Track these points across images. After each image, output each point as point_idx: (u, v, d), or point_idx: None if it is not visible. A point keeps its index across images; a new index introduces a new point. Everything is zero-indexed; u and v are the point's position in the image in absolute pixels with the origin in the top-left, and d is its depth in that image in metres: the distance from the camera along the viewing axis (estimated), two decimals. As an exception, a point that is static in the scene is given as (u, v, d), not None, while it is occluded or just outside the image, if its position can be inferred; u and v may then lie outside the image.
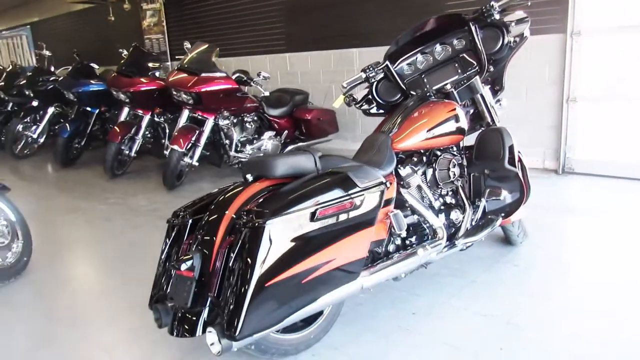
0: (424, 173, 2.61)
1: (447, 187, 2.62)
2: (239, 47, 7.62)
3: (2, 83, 7.68)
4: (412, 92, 2.86)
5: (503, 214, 2.74)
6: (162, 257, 2.10)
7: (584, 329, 2.22)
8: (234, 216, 1.90)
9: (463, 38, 2.79)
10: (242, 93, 5.16)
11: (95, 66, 7.04)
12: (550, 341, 2.14)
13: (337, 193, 1.87)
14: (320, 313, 2.18)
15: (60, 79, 6.67)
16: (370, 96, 2.95)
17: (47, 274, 3.20)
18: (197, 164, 4.95)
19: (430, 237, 2.50)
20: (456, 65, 2.83)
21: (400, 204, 2.50)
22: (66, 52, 7.92)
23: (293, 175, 2.04)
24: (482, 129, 2.91)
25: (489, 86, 2.93)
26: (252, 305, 1.66)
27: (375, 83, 2.91)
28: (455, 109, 2.61)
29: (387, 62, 2.84)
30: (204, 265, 1.86)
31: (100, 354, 2.28)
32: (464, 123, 2.63)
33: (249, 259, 1.69)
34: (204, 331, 1.79)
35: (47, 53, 7.36)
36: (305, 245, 1.79)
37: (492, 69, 2.83)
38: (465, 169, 2.75)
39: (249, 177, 2.08)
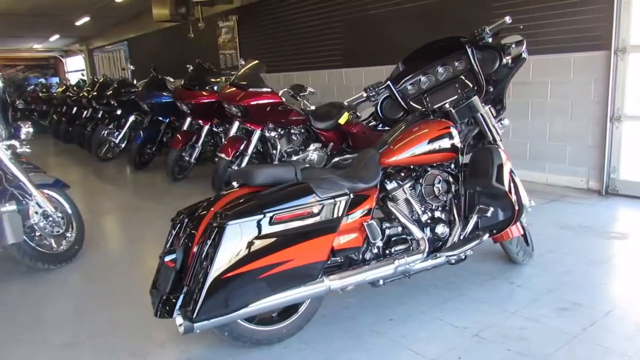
0: (413, 187, 2.74)
1: (435, 201, 2.73)
2: (301, 62, 8.04)
3: (95, 93, 8.68)
4: (413, 110, 3.01)
5: (494, 231, 2.79)
6: (165, 249, 2.43)
7: (551, 352, 2.25)
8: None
9: (463, 59, 2.90)
10: (287, 107, 5.49)
11: (171, 79, 7.75)
12: (509, 356, 2.21)
13: (295, 201, 2.10)
14: (296, 310, 2.41)
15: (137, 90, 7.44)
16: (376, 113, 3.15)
17: (93, 261, 3.69)
18: (244, 171, 5.33)
19: (412, 248, 2.64)
20: (457, 85, 2.94)
21: (388, 215, 2.68)
22: (150, 63, 8.76)
23: (273, 184, 2.29)
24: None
25: (489, 106, 2.99)
26: (209, 293, 1.94)
27: (380, 101, 3.10)
28: (448, 128, 2.73)
29: (389, 82, 3.01)
30: (185, 257, 2.17)
31: (120, 327, 2.66)
32: (457, 141, 2.74)
33: (210, 254, 1.97)
34: (179, 314, 2.09)
35: (131, 67, 8.23)
36: (263, 245, 2.03)
37: (491, 89, 2.91)
38: (460, 185, 2.85)
39: (235, 184, 2.37)
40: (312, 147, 5.77)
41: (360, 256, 2.49)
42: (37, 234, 3.46)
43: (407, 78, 3.04)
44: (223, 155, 5.15)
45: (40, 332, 2.67)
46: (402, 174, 2.72)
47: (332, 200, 2.19)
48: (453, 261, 2.76)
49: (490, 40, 2.76)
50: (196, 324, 1.96)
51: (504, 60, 2.80)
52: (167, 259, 2.17)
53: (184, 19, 9.37)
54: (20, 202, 3.34)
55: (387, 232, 2.64)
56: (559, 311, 2.58)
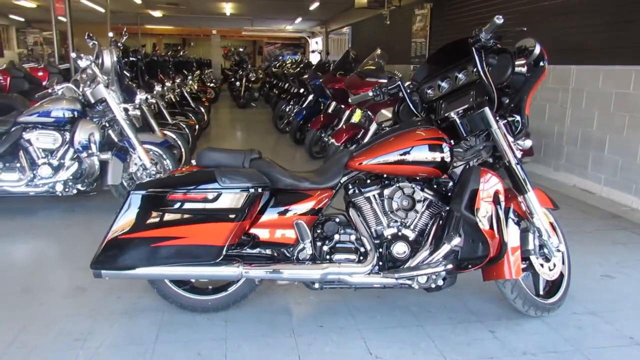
0: (383, 197, 2.52)
1: (395, 217, 2.47)
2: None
3: (291, 71, 9.69)
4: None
5: (469, 265, 2.39)
6: None
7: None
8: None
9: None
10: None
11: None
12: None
13: (196, 185, 2.23)
14: (226, 289, 2.55)
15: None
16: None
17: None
18: (357, 159, 5.41)
19: (358, 259, 2.47)
20: (472, 93, 2.54)
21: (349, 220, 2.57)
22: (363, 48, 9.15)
23: (219, 166, 2.44)
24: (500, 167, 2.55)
25: (515, 119, 2.50)
26: (105, 248, 2.24)
27: (398, 103, 2.89)
28: (438, 140, 2.43)
29: (399, 83, 2.78)
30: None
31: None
32: (447, 156, 2.42)
33: (115, 215, 2.28)
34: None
35: (319, 49, 8.86)
36: (158, 219, 2.23)
37: (507, 100, 2.43)
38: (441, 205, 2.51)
39: (193, 162, 2.59)
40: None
41: (295, 254, 2.47)
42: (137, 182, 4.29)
43: (427, 81, 2.75)
44: (333, 141, 5.32)
45: (83, 255, 3.35)
46: (368, 181, 2.54)
47: (231, 191, 2.25)
48: (416, 287, 2.47)
49: (490, 43, 2.31)
50: (102, 271, 2.30)
51: (517, 68, 2.32)
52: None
53: (381, 6, 9.61)
54: (127, 152, 4.19)
55: (338, 237, 2.53)
56: (502, 380, 2.12)
